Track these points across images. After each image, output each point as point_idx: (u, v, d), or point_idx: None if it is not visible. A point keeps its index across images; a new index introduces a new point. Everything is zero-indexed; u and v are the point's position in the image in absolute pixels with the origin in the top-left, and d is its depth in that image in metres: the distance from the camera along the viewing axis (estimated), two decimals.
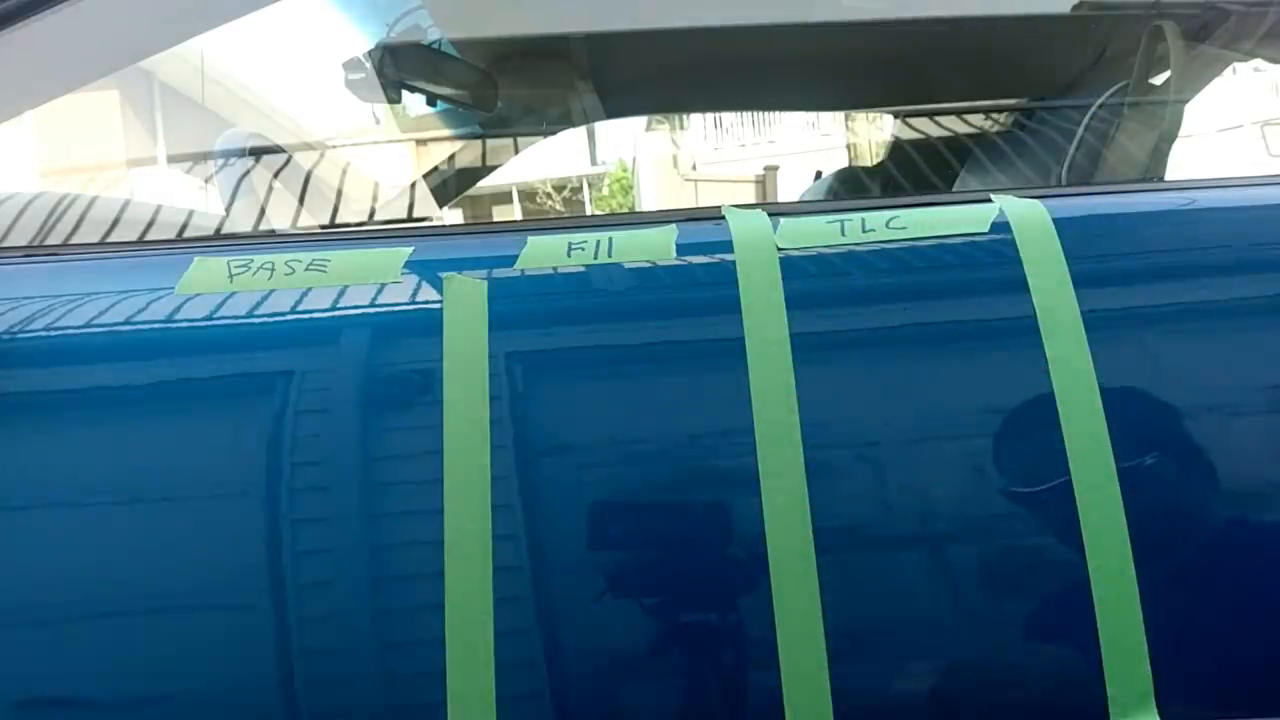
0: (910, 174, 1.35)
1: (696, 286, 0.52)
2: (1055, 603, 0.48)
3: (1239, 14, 0.96)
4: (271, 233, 0.89)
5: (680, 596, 0.48)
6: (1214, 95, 1.03)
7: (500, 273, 0.52)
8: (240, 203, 0.87)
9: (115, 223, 0.75)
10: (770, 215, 0.55)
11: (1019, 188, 0.59)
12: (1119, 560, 0.46)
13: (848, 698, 0.44)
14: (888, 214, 0.55)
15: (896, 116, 1.49)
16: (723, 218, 0.55)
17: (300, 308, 0.52)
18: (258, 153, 0.93)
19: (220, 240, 0.79)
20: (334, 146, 1.28)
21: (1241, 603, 0.49)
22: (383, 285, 0.52)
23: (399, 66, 1.13)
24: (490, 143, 1.41)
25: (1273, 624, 0.48)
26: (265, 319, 0.51)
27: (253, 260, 0.53)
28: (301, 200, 0.97)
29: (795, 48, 1.21)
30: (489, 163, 1.43)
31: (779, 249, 0.53)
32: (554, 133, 1.40)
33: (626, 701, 0.48)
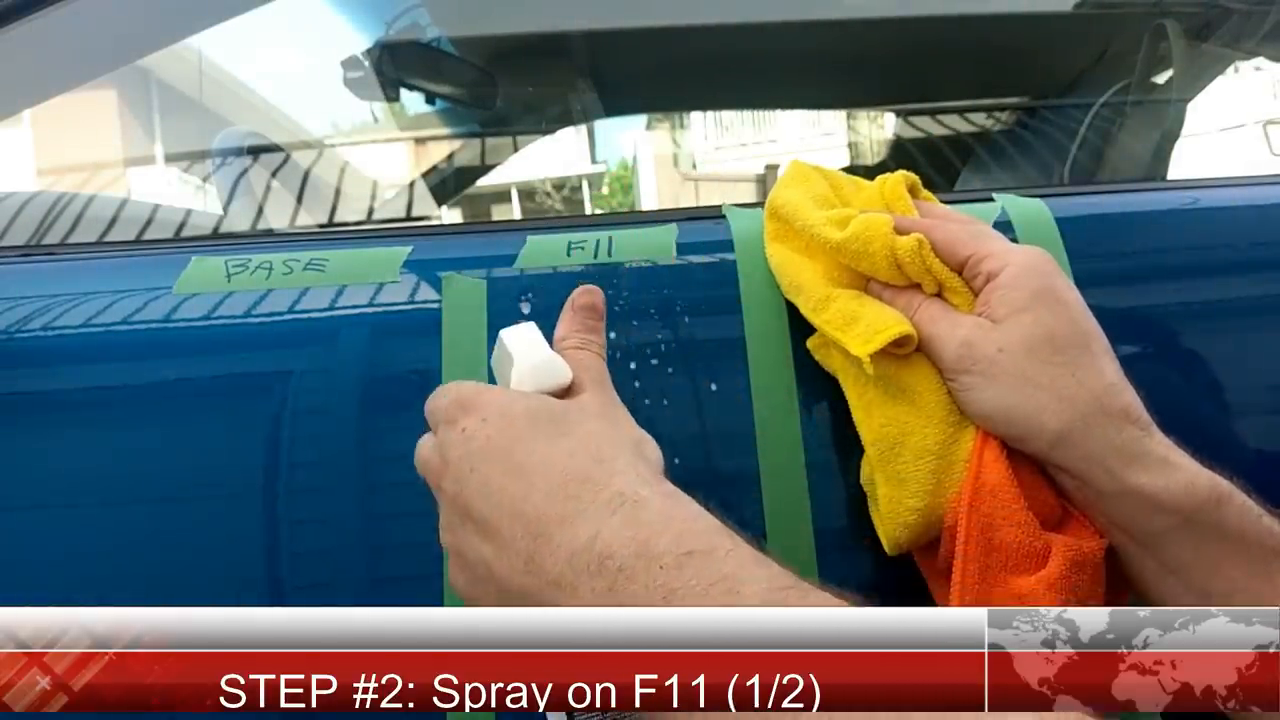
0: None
1: (696, 286, 0.51)
2: None
3: (1241, 13, 0.96)
4: (269, 232, 0.89)
5: None
6: (1216, 94, 1.03)
7: (499, 272, 0.52)
8: (238, 202, 0.87)
9: (113, 222, 0.75)
10: None
11: (1021, 187, 0.59)
12: None
13: None
14: None
15: (898, 115, 1.48)
16: (723, 217, 0.55)
17: (298, 307, 0.51)
18: (256, 151, 0.93)
19: (218, 239, 0.79)
20: (332, 145, 1.28)
21: None
22: (381, 285, 0.52)
23: (398, 65, 1.13)
24: (489, 141, 1.41)
25: None
26: (263, 318, 0.51)
27: (250, 259, 0.52)
28: (300, 199, 0.97)
29: (796, 45, 1.20)
30: (488, 161, 1.43)
31: None
32: (553, 131, 1.40)
33: None
